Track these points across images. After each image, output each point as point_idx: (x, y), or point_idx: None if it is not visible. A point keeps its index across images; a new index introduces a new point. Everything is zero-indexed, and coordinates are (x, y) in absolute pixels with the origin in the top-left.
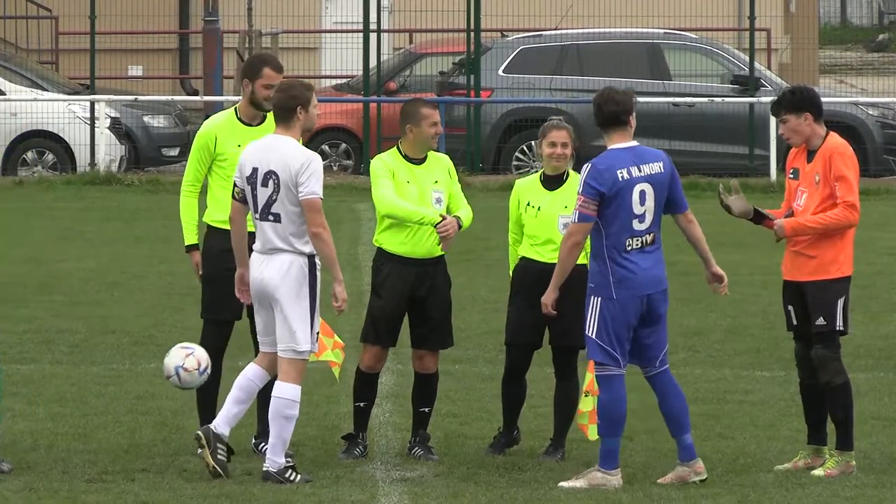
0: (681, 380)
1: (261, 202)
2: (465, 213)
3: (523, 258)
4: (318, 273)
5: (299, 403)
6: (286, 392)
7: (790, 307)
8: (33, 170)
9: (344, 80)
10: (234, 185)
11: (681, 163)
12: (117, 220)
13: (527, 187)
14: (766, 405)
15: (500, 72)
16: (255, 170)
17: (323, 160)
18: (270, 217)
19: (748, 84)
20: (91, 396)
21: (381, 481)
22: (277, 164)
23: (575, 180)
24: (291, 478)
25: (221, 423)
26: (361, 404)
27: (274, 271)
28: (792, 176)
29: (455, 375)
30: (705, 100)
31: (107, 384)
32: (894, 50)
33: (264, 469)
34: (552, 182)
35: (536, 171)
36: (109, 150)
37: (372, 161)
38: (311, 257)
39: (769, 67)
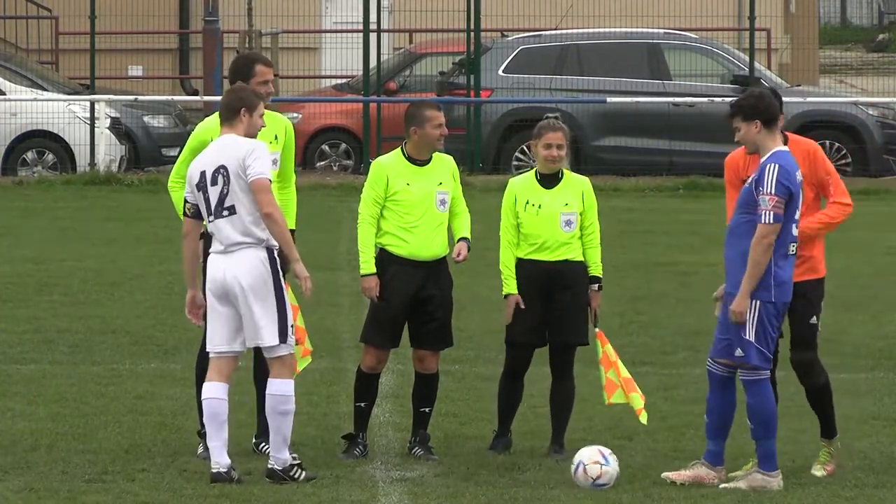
0: (680, 380)
1: (213, 201)
2: (466, 223)
3: (522, 261)
4: (279, 264)
5: (294, 397)
6: (279, 388)
7: None
8: (33, 170)
9: (344, 80)
10: (186, 201)
11: (681, 163)
12: (117, 220)
13: (523, 186)
14: None
15: (500, 72)
16: (202, 174)
17: (323, 160)
18: (225, 212)
19: (748, 84)
20: (91, 396)
21: (381, 481)
22: (225, 158)
23: (570, 178)
24: (296, 475)
25: (223, 458)
26: (362, 405)
27: (235, 267)
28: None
29: (455, 375)
30: (705, 100)
31: (107, 384)
32: (894, 50)
33: (269, 467)
34: (549, 180)
35: (531, 169)
36: (109, 150)
37: (371, 164)
38: (269, 250)
39: (769, 67)
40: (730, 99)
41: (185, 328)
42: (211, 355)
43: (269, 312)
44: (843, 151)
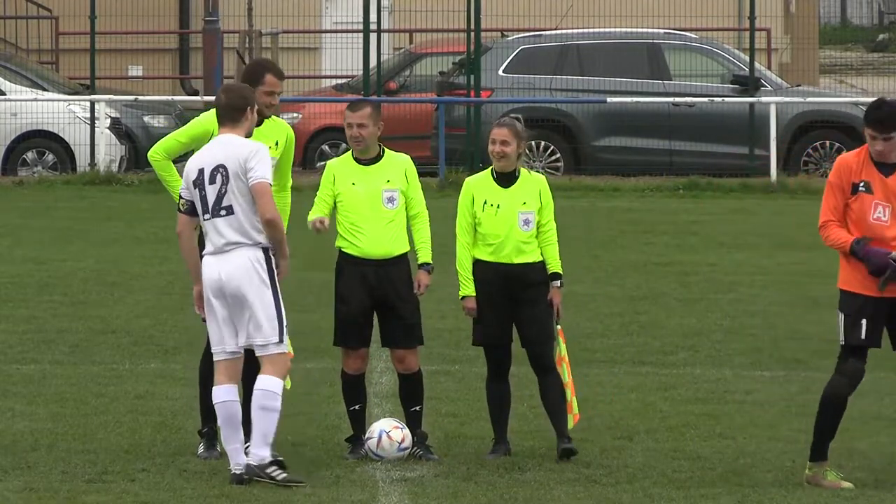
0: (680, 380)
1: (210, 200)
2: (425, 234)
3: (481, 263)
4: (274, 263)
5: (281, 397)
6: (267, 384)
7: (864, 320)
8: (33, 170)
9: (344, 80)
10: (181, 197)
11: (681, 163)
12: (117, 220)
13: (481, 185)
14: (766, 405)
15: (500, 72)
16: (200, 171)
17: (323, 160)
18: (222, 212)
19: (748, 84)
20: (91, 396)
21: (381, 481)
22: (225, 157)
23: (526, 176)
24: (274, 474)
25: (242, 459)
26: (356, 407)
27: (233, 267)
28: (863, 189)
29: (455, 375)
30: (705, 100)
31: (107, 384)
32: (894, 50)
33: (245, 462)
34: (505, 179)
35: (488, 167)
36: (109, 150)
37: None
38: (265, 250)
39: (769, 67)
40: (730, 99)
41: (186, 328)
42: (216, 358)
43: (268, 311)
44: (844, 151)
